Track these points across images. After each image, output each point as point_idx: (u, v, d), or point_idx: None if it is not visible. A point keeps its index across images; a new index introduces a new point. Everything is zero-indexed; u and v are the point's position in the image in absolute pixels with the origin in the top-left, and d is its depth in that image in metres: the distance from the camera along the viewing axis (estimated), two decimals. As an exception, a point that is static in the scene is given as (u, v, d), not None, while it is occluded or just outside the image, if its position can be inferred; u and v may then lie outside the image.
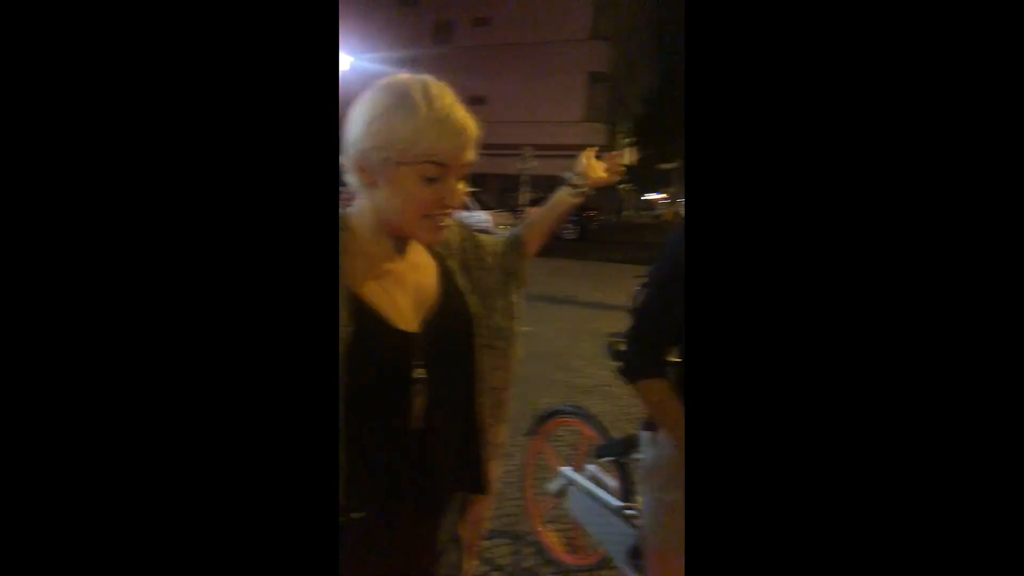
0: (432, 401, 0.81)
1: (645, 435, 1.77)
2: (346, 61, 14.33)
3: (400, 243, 0.83)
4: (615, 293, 7.87)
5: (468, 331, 0.86)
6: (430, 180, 0.73)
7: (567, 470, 2.06)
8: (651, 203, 41.97)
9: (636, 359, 1.02)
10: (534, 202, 16.62)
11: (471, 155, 0.75)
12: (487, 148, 0.85)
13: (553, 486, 2.07)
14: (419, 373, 0.79)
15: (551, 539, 2.18)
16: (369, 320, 0.76)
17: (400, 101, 0.72)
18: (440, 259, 0.88)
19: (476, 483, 0.92)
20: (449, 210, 0.77)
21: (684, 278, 0.93)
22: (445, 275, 0.87)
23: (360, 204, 0.81)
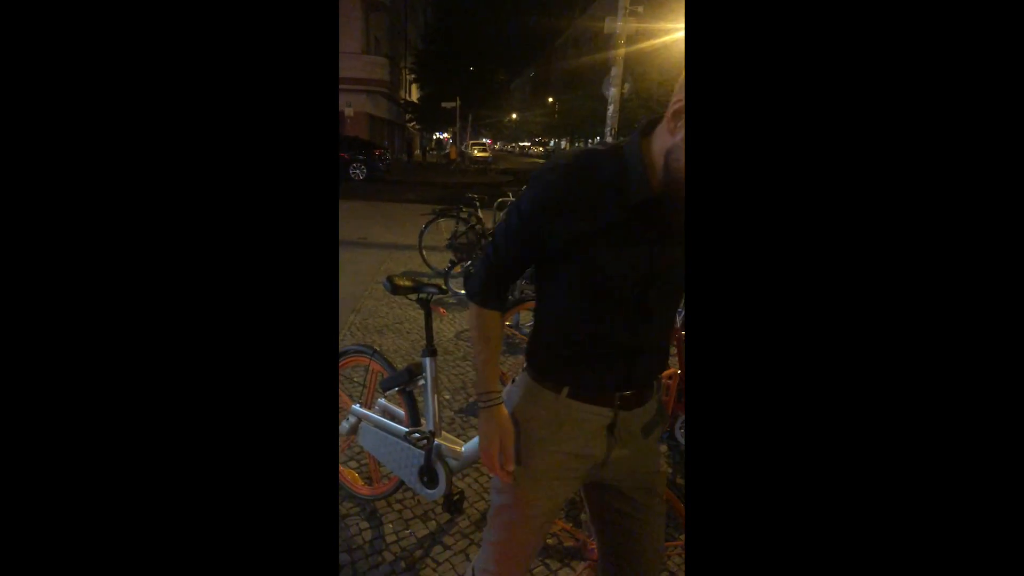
0: None
1: (426, 361, 1.87)
2: None
3: None
4: (407, 233, 7.85)
5: None
6: None
7: (357, 407, 2.08)
8: (443, 141, 41.98)
9: (476, 283, 1.05)
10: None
11: None
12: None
13: (345, 425, 2.08)
14: None
15: (350, 476, 2.21)
16: None
17: None
18: None
19: None
20: None
21: (538, 217, 0.90)
22: None
23: None
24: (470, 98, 26.40)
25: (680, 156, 0.80)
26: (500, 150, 58.91)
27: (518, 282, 1.78)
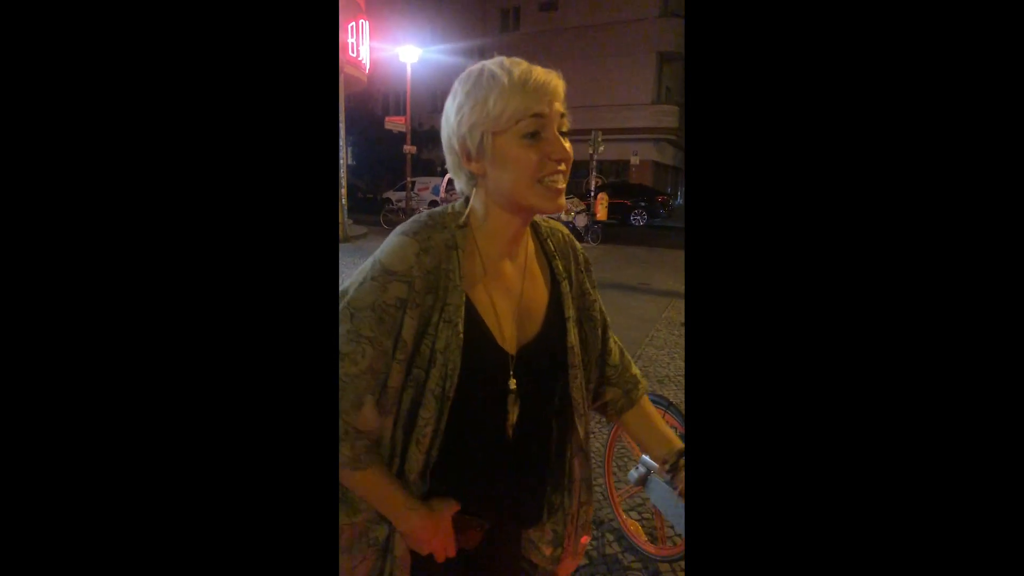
0: (524, 410, 0.84)
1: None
2: (415, 53, 14.59)
3: (513, 245, 0.83)
4: (689, 280, 7.65)
5: (564, 340, 0.87)
6: (531, 137, 0.74)
7: (646, 458, 2.06)
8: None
9: None
10: (602, 187, 16.44)
11: (561, 106, 0.76)
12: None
13: (634, 474, 2.08)
14: (512, 385, 0.82)
15: (633, 528, 2.19)
16: (474, 330, 0.78)
17: (481, 79, 0.74)
18: (550, 260, 0.89)
19: (561, 483, 0.94)
20: (561, 166, 0.76)
21: None
22: (554, 281, 0.88)
23: (471, 203, 0.81)
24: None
25: None
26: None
27: None
